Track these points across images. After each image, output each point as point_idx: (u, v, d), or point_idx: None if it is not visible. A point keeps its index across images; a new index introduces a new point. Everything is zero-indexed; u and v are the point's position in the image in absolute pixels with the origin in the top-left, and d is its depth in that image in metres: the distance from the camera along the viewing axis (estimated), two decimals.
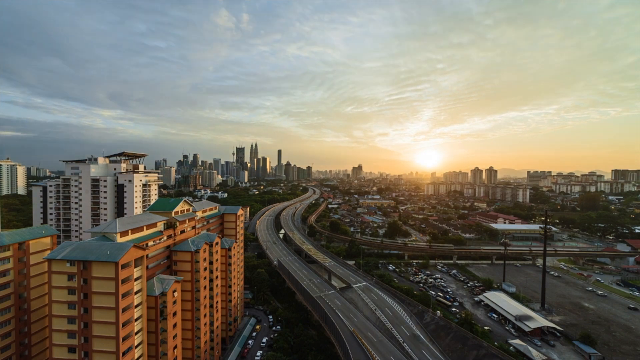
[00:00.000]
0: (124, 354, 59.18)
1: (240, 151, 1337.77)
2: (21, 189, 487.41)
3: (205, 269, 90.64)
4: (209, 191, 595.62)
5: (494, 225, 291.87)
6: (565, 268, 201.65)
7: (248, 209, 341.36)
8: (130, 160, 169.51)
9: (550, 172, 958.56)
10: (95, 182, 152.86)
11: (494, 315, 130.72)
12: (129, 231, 69.05)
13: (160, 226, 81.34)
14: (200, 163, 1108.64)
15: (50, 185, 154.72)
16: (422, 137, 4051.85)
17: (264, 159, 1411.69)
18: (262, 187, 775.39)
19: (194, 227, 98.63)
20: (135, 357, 62.86)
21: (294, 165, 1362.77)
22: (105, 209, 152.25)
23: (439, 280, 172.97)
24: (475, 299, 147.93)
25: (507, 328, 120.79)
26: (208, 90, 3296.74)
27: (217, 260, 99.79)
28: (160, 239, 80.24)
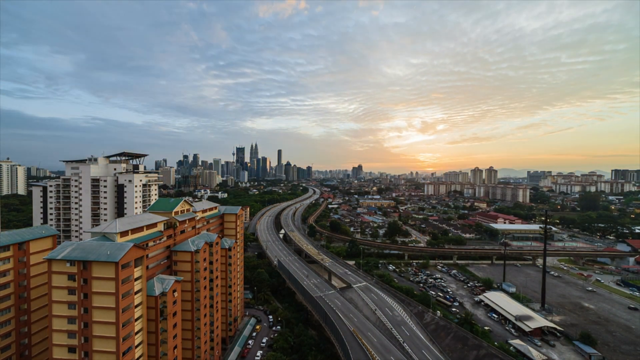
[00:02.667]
0: (124, 354, 59.17)
1: (240, 151, 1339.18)
2: (21, 189, 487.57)
3: (205, 269, 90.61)
4: (209, 191, 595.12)
5: (494, 225, 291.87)
6: (565, 268, 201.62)
7: (248, 209, 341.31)
8: (131, 160, 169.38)
9: (550, 172, 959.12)
10: (95, 182, 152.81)
11: (494, 315, 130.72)
12: (129, 231, 69.04)
13: (160, 226, 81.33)
14: (200, 163, 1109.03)
15: (51, 186, 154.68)
16: (425, 139, 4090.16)
17: (264, 159, 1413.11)
18: (262, 187, 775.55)
19: (194, 227, 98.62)
20: (136, 357, 62.84)
21: (294, 165, 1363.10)
22: (105, 209, 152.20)
23: (439, 280, 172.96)
24: (476, 299, 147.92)
25: (507, 328, 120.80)
26: (259, 113, 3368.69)
27: (217, 260, 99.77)
28: (160, 239, 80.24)
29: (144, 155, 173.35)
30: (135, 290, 63.05)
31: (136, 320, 63.61)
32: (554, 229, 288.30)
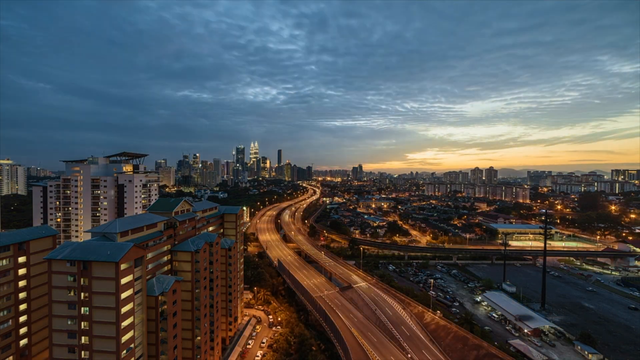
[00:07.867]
0: (124, 354, 59.19)
1: (240, 151, 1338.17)
2: (21, 189, 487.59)
3: (205, 269, 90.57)
4: (209, 191, 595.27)
5: (494, 225, 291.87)
6: (565, 268, 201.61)
7: (248, 209, 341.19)
8: (131, 160, 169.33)
9: (550, 172, 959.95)
10: (95, 182, 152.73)
11: (494, 315, 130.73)
12: (129, 231, 68.99)
13: (160, 226, 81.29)
14: (200, 163, 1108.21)
15: (51, 185, 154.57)
16: (425, 139, 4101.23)
17: (264, 159, 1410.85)
18: (262, 187, 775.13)
19: (194, 227, 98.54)
20: (136, 357, 62.85)
21: (294, 165, 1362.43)
22: (105, 209, 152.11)
23: (439, 280, 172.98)
24: (476, 299, 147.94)
25: (507, 328, 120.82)
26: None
27: (217, 260, 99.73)
28: (160, 239, 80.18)
29: (144, 155, 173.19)
30: (135, 290, 63.02)
31: (136, 320, 63.60)
32: (554, 229, 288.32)
